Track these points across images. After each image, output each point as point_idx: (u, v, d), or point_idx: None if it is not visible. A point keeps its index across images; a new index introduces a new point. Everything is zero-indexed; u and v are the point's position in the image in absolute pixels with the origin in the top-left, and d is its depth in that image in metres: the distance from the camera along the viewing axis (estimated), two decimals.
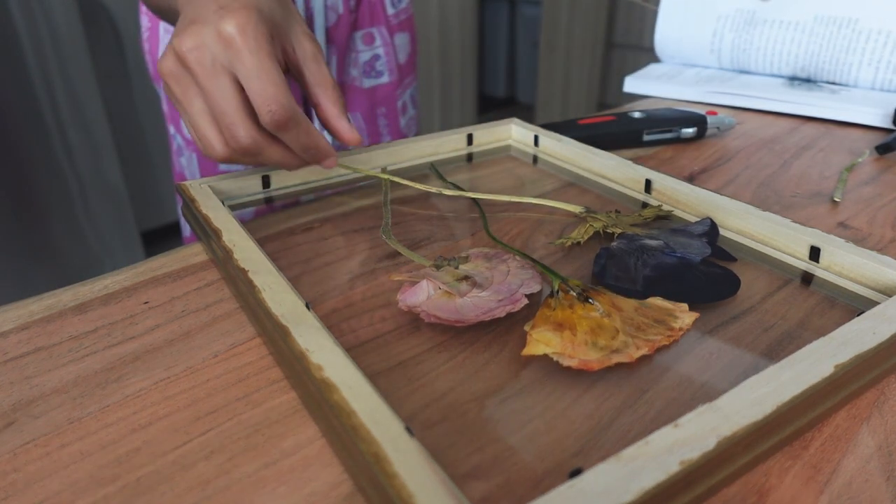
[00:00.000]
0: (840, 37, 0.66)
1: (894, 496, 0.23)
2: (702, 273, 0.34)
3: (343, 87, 0.76)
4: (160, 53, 0.71)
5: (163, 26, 0.70)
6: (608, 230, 0.38)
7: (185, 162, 0.76)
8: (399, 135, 0.82)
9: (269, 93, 0.34)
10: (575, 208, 0.41)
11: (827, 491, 0.23)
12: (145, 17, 0.72)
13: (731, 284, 0.34)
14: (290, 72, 0.40)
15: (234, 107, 0.35)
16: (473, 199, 0.45)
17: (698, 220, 0.39)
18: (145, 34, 0.73)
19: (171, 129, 0.76)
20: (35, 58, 1.40)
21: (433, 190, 0.43)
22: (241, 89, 0.35)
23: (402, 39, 0.79)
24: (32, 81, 1.41)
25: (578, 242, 0.39)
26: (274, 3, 0.38)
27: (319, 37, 0.70)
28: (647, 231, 0.38)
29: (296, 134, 0.36)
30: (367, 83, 0.77)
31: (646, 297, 0.32)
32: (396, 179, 0.44)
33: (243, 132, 0.35)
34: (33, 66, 1.40)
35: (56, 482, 0.23)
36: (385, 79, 0.78)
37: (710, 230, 0.37)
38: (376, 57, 0.76)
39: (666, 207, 0.42)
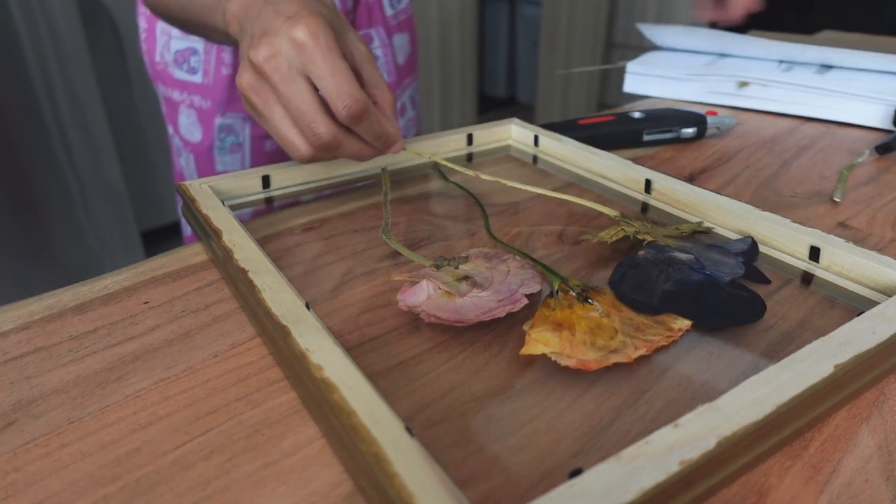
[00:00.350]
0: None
1: (894, 496, 0.23)
2: (727, 294, 0.32)
3: None
4: (157, 54, 0.71)
5: (159, 27, 0.70)
6: (639, 236, 0.37)
7: (184, 162, 0.76)
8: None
9: (343, 89, 0.37)
10: (611, 211, 0.40)
11: (827, 491, 0.23)
12: (142, 18, 0.73)
13: (755, 310, 0.31)
14: None
15: (313, 106, 0.37)
16: (475, 199, 0.45)
17: (739, 238, 0.37)
18: (143, 35, 0.73)
19: (170, 130, 0.76)
20: (35, 58, 1.40)
21: (471, 173, 0.43)
22: (316, 90, 0.38)
23: (401, 40, 0.79)
24: (32, 81, 1.41)
25: (605, 242, 0.38)
26: (331, 11, 0.40)
27: None
28: (679, 244, 0.36)
29: (368, 124, 0.39)
30: None
31: (659, 312, 0.30)
32: (457, 168, 0.43)
33: (323, 128, 0.38)
34: (33, 66, 1.40)
35: (56, 482, 0.23)
36: None
37: (750, 249, 0.36)
38: (374, 58, 0.76)
39: (706, 224, 0.40)
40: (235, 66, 0.69)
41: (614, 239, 0.38)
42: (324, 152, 0.39)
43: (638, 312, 0.31)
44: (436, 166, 0.50)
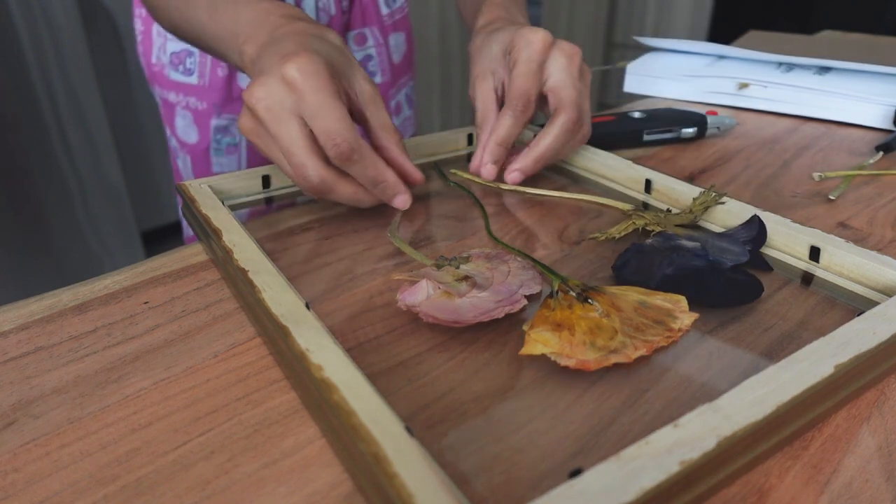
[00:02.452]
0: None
1: (894, 496, 0.23)
2: (726, 279, 0.33)
3: None
4: (154, 56, 0.71)
5: (156, 29, 0.71)
6: (648, 228, 0.38)
7: (182, 164, 0.77)
8: None
9: (332, 128, 0.36)
10: (625, 206, 0.40)
11: (827, 491, 0.23)
12: (139, 21, 0.73)
13: (751, 292, 0.33)
14: (353, 115, 0.41)
15: (301, 147, 0.36)
16: (475, 199, 0.45)
17: (747, 221, 0.38)
18: (139, 37, 0.73)
19: (168, 132, 0.77)
20: (35, 58, 1.40)
21: (499, 186, 0.43)
22: (310, 131, 0.37)
23: (396, 39, 0.78)
24: (32, 81, 1.41)
25: (613, 238, 0.39)
26: (333, 49, 0.40)
27: None
28: (687, 232, 0.37)
29: (362, 167, 0.38)
30: None
31: (656, 289, 0.32)
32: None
33: (311, 171, 0.37)
34: (33, 66, 1.40)
35: (56, 482, 0.23)
36: (377, 79, 0.77)
37: (758, 234, 0.36)
38: (368, 57, 0.76)
39: (715, 194, 0.39)
40: (230, 68, 0.69)
41: (624, 233, 0.38)
42: (317, 195, 0.38)
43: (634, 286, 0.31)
44: (436, 167, 0.50)
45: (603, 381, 0.28)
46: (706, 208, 0.39)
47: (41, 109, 1.43)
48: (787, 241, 0.36)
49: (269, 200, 0.44)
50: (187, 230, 0.80)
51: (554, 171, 0.50)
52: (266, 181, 0.44)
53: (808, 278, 0.35)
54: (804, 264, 0.36)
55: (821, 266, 0.35)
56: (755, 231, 0.36)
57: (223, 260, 0.34)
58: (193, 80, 0.71)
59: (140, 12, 0.73)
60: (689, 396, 0.27)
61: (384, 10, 0.76)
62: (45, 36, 1.40)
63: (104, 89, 1.59)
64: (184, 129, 0.74)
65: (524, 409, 0.26)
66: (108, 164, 1.58)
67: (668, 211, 0.40)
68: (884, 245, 0.40)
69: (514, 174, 0.45)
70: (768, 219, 0.37)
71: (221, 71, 0.70)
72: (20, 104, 1.40)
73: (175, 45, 0.70)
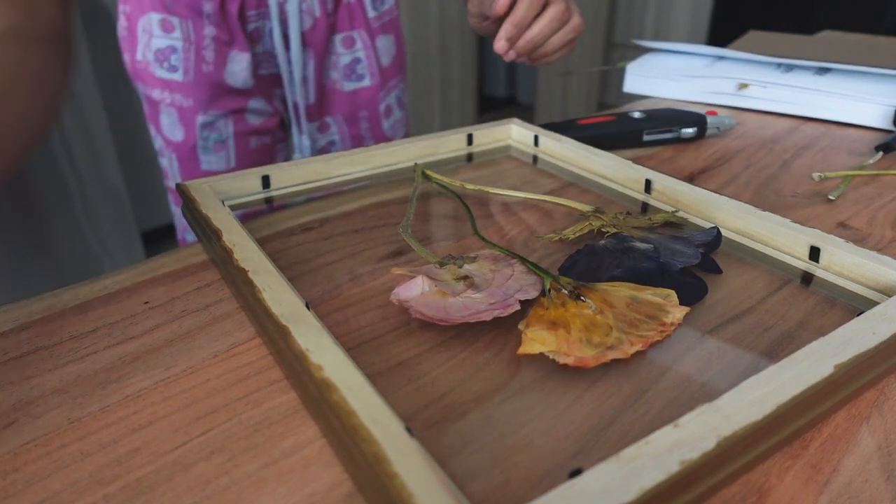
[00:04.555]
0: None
1: (894, 496, 0.23)
2: (673, 281, 0.34)
3: (322, 90, 0.77)
4: (138, 53, 0.71)
5: (141, 26, 0.70)
6: (604, 230, 0.38)
7: (168, 163, 0.77)
8: (382, 138, 0.81)
9: None
10: (584, 207, 0.40)
11: (827, 491, 0.23)
12: (123, 17, 0.72)
13: (696, 295, 0.33)
14: None
15: None
16: (461, 200, 0.45)
17: (707, 228, 0.39)
18: (123, 34, 0.73)
19: (153, 131, 0.76)
20: None
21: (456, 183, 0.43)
22: None
23: (385, 42, 0.79)
24: None
25: (567, 238, 0.39)
26: None
27: (295, 41, 0.71)
28: (642, 234, 0.37)
29: None
30: (348, 86, 0.77)
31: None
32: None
33: None
34: None
35: (56, 482, 0.23)
36: (366, 82, 0.78)
37: (713, 240, 0.37)
38: (357, 60, 0.77)
39: (680, 214, 0.41)
40: (216, 64, 0.70)
41: (577, 235, 0.38)
42: None
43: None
44: (416, 166, 0.50)
45: (603, 381, 0.28)
46: (665, 221, 0.40)
47: None
48: (787, 241, 0.36)
49: (269, 200, 0.44)
50: (182, 232, 0.79)
51: (554, 171, 0.50)
52: (266, 181, 0.44)
53: (808, 278, 0.35)
54: (804, 264, 0.36)
55: (821, 266, 0.35)
56: (711, 236, 0.37)
57: (223, 260, 0.34)
58: (178, 76, 0.71)
59: (124, 8, 0.72)
60: (689, 396, 0.27)
61: (371, 13, 0.76)
62: None
63: (104, 89, 1.59)
64: (169, 126, 0.74)
65: (524, 409, 0.26)
66: (108, 164, 1.58)
67: (628, 214, 0.40)
68: (884, 245, 0.40)
69: (500, 43, 0.54)
70: (768, 219, 0.37)
71: (206, 67, 0.70)
72: None
73: (160, 41, 0.69)
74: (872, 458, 0.24)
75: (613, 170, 0.46)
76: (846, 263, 0.34)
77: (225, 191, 0.42)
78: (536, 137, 0.53)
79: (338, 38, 0.75)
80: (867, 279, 0.33)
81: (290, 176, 0.45)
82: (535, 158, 0.53)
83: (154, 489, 0.23)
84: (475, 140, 0.53)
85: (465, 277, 0.33)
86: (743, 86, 0.67)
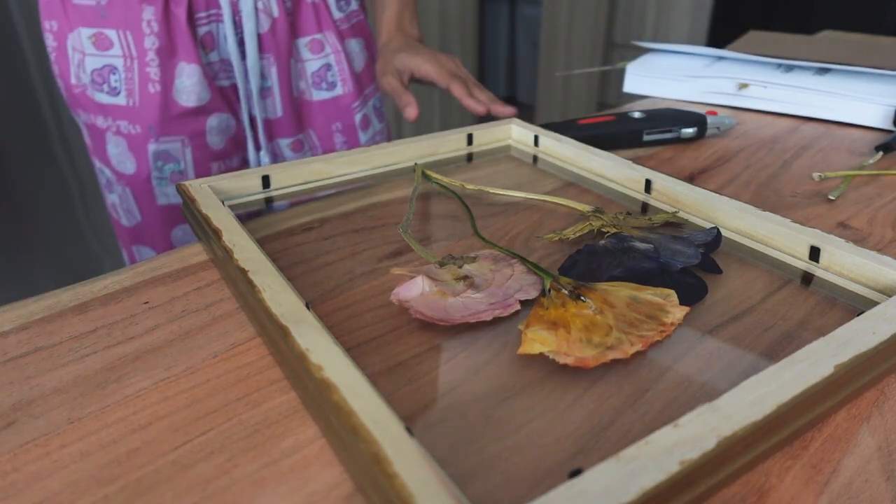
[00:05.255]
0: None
1: (894, 496, 0.23)
2: (673, 281, 0.34)
3: (291, 101, 0.70)
4: (72, 76, 0.63)
5: (70, 44, 0.62)
6: (604, 230, 0.38)
7: (118, 199, 0.69)
8: None
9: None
10: (584, 207, 0.40)
11: (827, 491, 0.23)
12: (49, 36, 0.64)
13: (694, 294, 0.33)
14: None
15: None
16: (461, 200, 0.45)
17: (708, 228, 0.39)
18: (52, 55, 0.64)
19: (97, 164, 0.68)
20: (35, 58, 1.40)
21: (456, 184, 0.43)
22: None
23: (354, 46, 0.73)
24: (32, 81, 1.41)
25: (567, 238, 0.39)
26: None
27: (249, 44, 0.64)
28: (642, 234, 0.37)
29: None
30: (319, 96, 0.71)
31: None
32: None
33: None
34: (33, 65, 1.40)
35: (56, 482, 0.23)
36: (339, 90, 0.72)
37: (713, 240, 0.37)
38: (327, 66, 0.70)
39: (680, 215, 0.41)
40: (164, 83, 0.62)
41: (577, 235, 0.38)
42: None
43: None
44: (422, 172, 0.50)
45: (603, 381, 0.28)
46: (665, 221, 0.40)
47: (41, 109, 1.43)
48: (787, 241, 0.36)
49: (269, 200, 0.44)
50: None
51: (554, 171, 0.50)
52: (266, 181, 0.44)
53: (808, 278, 0.35)
54: (804, 264, 0.36)
55: (821, 266, 0.35)
56: (711, 236, 0.37)
57: (223, 260, 0.34)
58: (121, 100, 0.62)
59: (50, 25, 0.62)
60: (689, 396, 0.27)
61: (337, 15, 0.70)
62: None
63: None
64: (118, 157, 0.65)
65: (524, 409, 0.26)
66: None
67: (628, 214, 0.40)
68: (884, 245, 0.40)
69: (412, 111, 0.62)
70: (768, 219, 0.37)
71: (153, 87, 0.62)
72: (20, 104, 1.40)
73: (94, 60, 0.61)
74: (872, 458, 0.24)
75: (613, 170, 0.46)
76: (846, 263, 0.34)
77: (225, 191, 0.42)
78: (536, 137, 0.53)
79: (302, 42, 0.68)
80: (867, 279, 0.33)
81: (290, 176, 0.45)
82: (535, 158, 0.53)
83: (154, 489, 0.23)
84: (475, 140, 0.53)
85: (465, 277, 0.33)
86: (743, 86, 0.67)
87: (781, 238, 0.37)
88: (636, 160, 0.46)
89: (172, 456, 0.24)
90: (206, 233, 0.36)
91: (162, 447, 0.25)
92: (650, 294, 0.31)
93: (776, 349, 0.30)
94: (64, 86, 0.65)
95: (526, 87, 3.05)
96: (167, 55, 0.61)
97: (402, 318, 0.32)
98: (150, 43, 0.60)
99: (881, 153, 0.53)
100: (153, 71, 0.61)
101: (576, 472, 0.20)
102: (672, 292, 0.32)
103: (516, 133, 0.55)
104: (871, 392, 0.27)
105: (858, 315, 0.28)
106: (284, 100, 0.69)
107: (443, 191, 0.47)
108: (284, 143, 0.72)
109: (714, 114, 0.59)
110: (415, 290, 0.32)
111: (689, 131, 0.57)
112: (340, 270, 0.37)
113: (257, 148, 0.70)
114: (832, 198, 0.46)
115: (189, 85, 0.63)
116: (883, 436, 0.25)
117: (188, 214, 0.40)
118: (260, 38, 0.65)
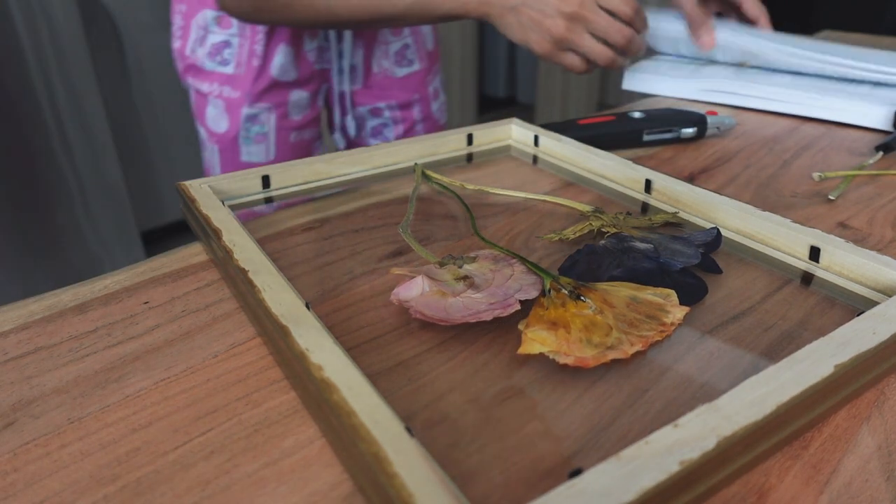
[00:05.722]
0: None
1: (894, 496, 0.23)
2: (672, 280, 0.34)
3: (375, 78, 0.84)
4: (188, 49, 0.77)
5: (195, 23, 0.76)
6: (604, 230, 0.38)
7: (209, 155, 0.82)
8: (432, 120, 0.89)
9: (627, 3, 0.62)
10: (584, 207, 0.40)
11: (827, 491, 0.23)
12: (178, 16, 0.77)
13: (694, 294, 0.33)
14: None
15: (616, 24, 0.62)
16: (461, 200, 0.45)
17: (708, 228, 0.39)
18: (177, 32, 0.78)
19: (197, 123, 0.81)
20: (35, 58, 1.40)
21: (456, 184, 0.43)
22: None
23: (426, 28, 0.86)
24: (32, 81, 1.41)
25: (567, 238, 0.39)
26: None
27: (347, 32, 0.78)
28: (642, 234, 0.37)
29: (641, 17, 0.64)
30: (400, 72, 0.84)
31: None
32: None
33: (628, 31, 0.63)
34: (33, 65, 1.40)
35: (56, 482, 0.23)
36: (416, 66, 0.85)
37: (713, 240, 0.37)
38: (406, 46, 0.84)
39: (682, 215, 0.41)
40: (265, 58, 0.76)
41: (577, 235, 0.38)
42: (625, 46, 0.62)
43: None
44: (422, 172, 0.50)
45: (603, 381, 0.28)
46: (665, 221, 0.40)
47: (41, 109, 1.43)
48: (787, 241, 0.36)
49: (269, 200, 0.44)
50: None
51: (554, 171, 0.50)
52: (266, 181, 0.44)
53: (808, 278, 0.35)
54: (804, 264, 0.36)
55: (821, 266, 0.35)
56: (711, 236, 0.37)
57: (223, 260, 0.34)
58: (229, 69, 0.76)
59: (180, 7, 0.77)
60: (689, 396, 0.27)
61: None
62: (45, 36, 1.40)
63: (104, 89, 1.59)
64: (214, 118, 0.79)
65: (524, 409, 0.26)
66: (108, 164, 1.58)
67: (628, 214, 0.40)
68: (884, 245, 0.40)
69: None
70: (768, 219, 0.37)
71: (256, 61, 0.75)
72: (20, 104, 1.40)
73: (216, 36, 0.76)
74: (872, 458, 0.24)
75: (613, 170, 0.46)
76: (846, 263, 0.34)
77: (225, 191, 0.42)
78: (536, 137, 0.53)
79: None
80: (867, 279, 0.33)
81: (290, 176, 0.45)
82: (535, 158, 0.53)
83: (154, 489, 0.23)
84: (475, 140, 0.53)
85: (465, 277, 0.33)
86: (743, 64, 0.68)
87: (781, 238, 0.37)
88: (636, 160, 0.46)
89: (172, 456, 0.24)
90: (206, 233, 0.36)
91: (162, 447, 0.25)
92: (650, 294, 0.31)
93: (776, 349, 0.30)
94: (180, 57, 0.79)
95: (526, 87, 3.05)
96: (271, 37, 0.75)
97: (402, 318, 0.32)
98: (263, 26, 0.75)
99: (881, 153, 0.53)
100: (258, 48, 0.75)
101: (576, 472, 0.20)
102: (672, 292, 0.32)
103: (516, 133, 0.55)
104: (871, 392, 0.27)
105: (858, 315, 0.28)
106: (366, 75, 0.84)
107: (443, 191, 0.47)
108: (364, 110, 0.86)
109: (714, 114, 0.59)
110: (415, 290, 0.32)
111: (689, 131, 0.57)
112: (340, 270, 0.37)
113: (343, 114, 0.85)
114: (832, 198, 0.46)
115: (282, 63, 0.77)
116: (883, 436, 0.25)
117: (188, 214, 0.40)
118: None
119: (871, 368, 0.26)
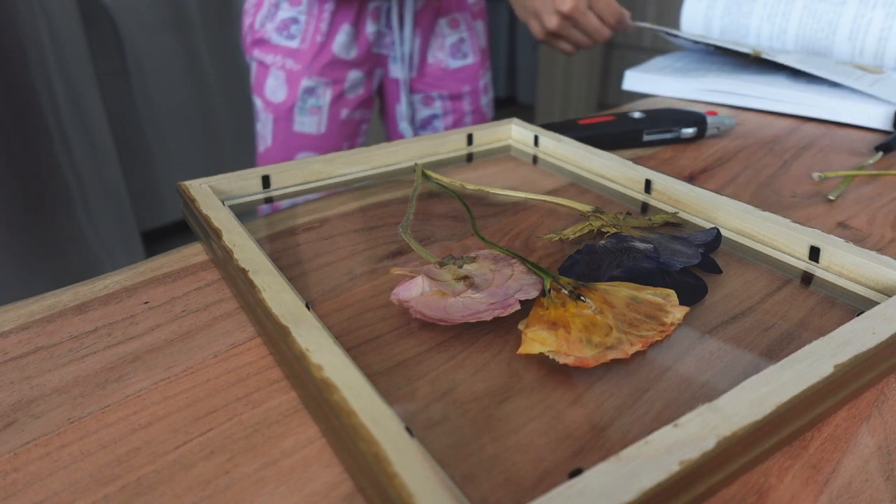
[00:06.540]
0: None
1: (894, 496, 0.23)
2: (672, 280, 0.34)
3: (429, 68, 0.90)
4: (258, 23, 0.84)
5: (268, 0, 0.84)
6: (604, 230, 0.38)
7: (261, 126, 0.88)
8: (480, 113, 0.92)
9: (612, 8, 0.72)
10: (584, 207, 0.41)
11: (827, 491, 0.23)
12: None
13: (694, 294, 0.33)
14: None
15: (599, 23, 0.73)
16: (461, 200, 0.45)
17: (707, 229, 0.39)
18: (250, 10, 0.86)
19: (255, 95, 0.88)
20: (35, 58, 1.40)
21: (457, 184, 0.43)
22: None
23: (480, 26, 0.93)
24: (32, 81, 1.41)
25: (567, 238, 0.39)
26: None
27: (408, 20, 0.84)
28: (642, 234, 0.37)
29: (625, 24, 0.73)
30: (454, 64, 0.90)
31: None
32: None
33: (606, 31, 0.74)
34: (33, 65, 1.40)
35: (56, 482, 0.23)
36: (470, 59, 0.91)
37: (713, 240, 0.37)
38: (461, 40, 0.90)
39: (682, 215, 0.41)
40: (328, 35, 0.83)
41: (577, 235, 0.38)
42: (605, 41, 0.72)
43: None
44: (422, 172, 0.50)
45: (603, 381, 0.28)
46: (665, 221, 0.40)
47: (41, 109, 1.43)
48: (787, 241, 0.36)
49: (269, 200, 0.44)
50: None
51: (554, 171, 0.50)
52: (266, 181, 0.44)
53: (807, 278, 0.35)
54: (804, 264, 0.36)
55: (821, 266, 0.35)
56: (711, 236, 0.37)
57: (223, 260, 0.34)
58: (295, 44, 0.83)
59: None
60: (689, 396, 0.27)
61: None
62: (45, 36, 1.40)
63: (104, 89, 1.59)
64: (273, 88, 0.85)
65: (524, 409, 0.26)
66: (108, 164, 1.58)
67: (628, 214, 0.40)
68: (884, 245, 0.40)
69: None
70: (768, 219, 0.37)
71: (320, 38, 0.82)
72: (20, 104, 1.40)
73: (286, 12, 0.83)
74: (872, 458, 0.24)
75: (613, 170, 0.46)
76: (846, 263, 0.34)
77: (225, 191, 0.42)
78: (536, 137, 0.53)
79: (444, 20, 0.88)
80: (867, 279, 0.33)
81: (290, 176, 0.45)
82: (535, 158, 0.53)
83: (154, 489, 0.23)
84: (475, 140, 0.53)
85: (465, 277, 0.33)
86: (757, 52, 0.68)
87: (781, 238, 0.37)
88: (636, 160, 0.46)
89: (172, 456, 0.24)
90: (206, 233, 0.36)
91: (162, 447, 0.25)
92: (650, 294, 0.31)
93: (776, 349, 0.30)
94: (248, 30, 0.86)
95: (526, 87, 3.05)
96: (336, 16, 0.82)
97: (403, 318, 0.32)
98: (329, 6, 0.82)
99: (881, 153, 0.53)
100: (323, 26, 0.82)
101: (576, 472, 0.20)
102: (672, 292, 0.32)
103: (516, 133, 0.55)
104: (870, 392, 0.27)
105: (858, 315, 0.28)
106: (421, 65, 0.89)
107: (443, 191, 0.47)
108: (417, 98, 0.91)
109: (714, 114, 0.59)
110: (415, 290, 0.32)
111: (689, 131, 0.57)
112: (340, 270, 0.37)
113: (397, 101, 0.91)
114: (832, 198, 0.46)
115: (344, 42, 0.83)
116: (882, 436, 0.25)
117: (188, 214, 0.40)
118: (415, 15, 0.85)
119: (871, 368, 0.26)
